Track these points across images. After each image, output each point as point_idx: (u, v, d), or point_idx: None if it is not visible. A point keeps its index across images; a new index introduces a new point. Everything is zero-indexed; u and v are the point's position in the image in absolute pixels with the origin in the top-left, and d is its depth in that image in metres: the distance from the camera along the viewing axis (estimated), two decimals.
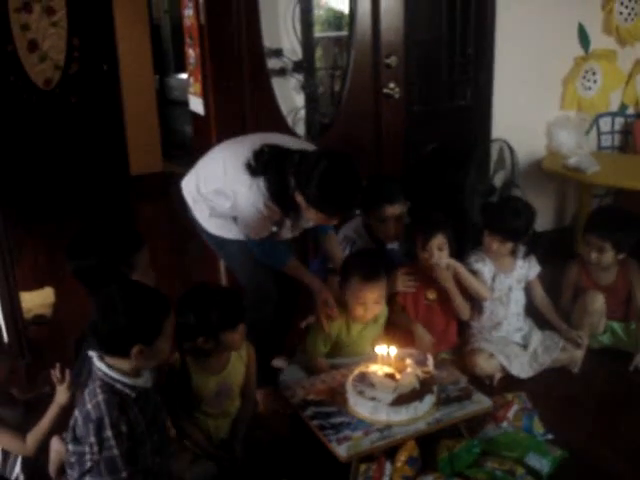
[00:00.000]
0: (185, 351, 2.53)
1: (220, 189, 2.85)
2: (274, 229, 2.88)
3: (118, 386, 2.10)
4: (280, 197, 2.76)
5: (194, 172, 3.02)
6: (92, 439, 2.04)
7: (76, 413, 2.13)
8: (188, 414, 2.51)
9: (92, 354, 2.14)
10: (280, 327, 3.19)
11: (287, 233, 2.98)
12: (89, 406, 2.06)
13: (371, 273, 2.92)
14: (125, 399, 2.10)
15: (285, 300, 3.10)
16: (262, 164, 2.75)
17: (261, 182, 2.74)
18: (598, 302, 3.36)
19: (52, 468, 2.49)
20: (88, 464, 2.09)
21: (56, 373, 2.23)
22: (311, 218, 2.84)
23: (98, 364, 2.11)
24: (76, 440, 2.12)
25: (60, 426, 2.29)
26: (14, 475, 2.39)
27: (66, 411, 2.24)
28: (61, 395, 2.24)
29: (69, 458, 2.18)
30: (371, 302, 2.93)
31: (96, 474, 2.08)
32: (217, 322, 2.44)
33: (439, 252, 3.19)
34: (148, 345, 2.08)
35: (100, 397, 2.06)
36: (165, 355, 2.19)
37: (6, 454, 2.34)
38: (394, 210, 3.31)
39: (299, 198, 2.72)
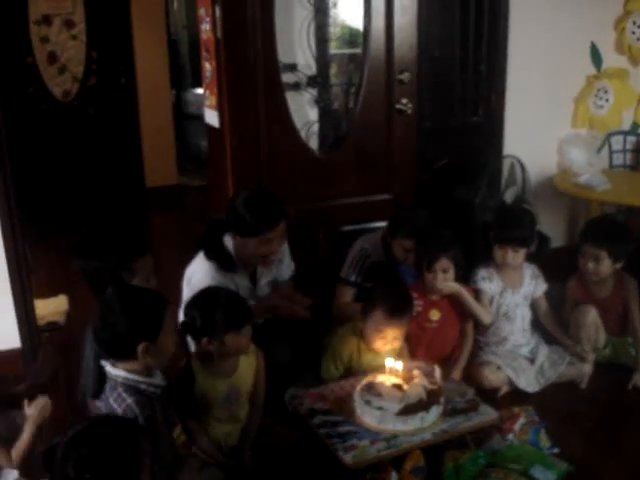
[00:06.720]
0: (192, 355, 2.56)
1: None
2: None
3: (142, 386, 2.13)
4: (219, 255, 2.98)
5: None
6: None
7: None
8: (197, 419, 2.52)
9: (104, 363, 2.16)
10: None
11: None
12: (119, 411, 2.06)
13: (398, 309, 2.86)
14: (151, 398, 2.13)
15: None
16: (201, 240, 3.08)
17: (201, 254, 3.02)
18: (590, 315, 3.33)
19: None
20: None
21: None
22: (251, 251, 2.96)
23: (115, 372, 2.13)
24: None
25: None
26: None
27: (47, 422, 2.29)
28: (30, 410, 2.26)
29: None
30: (390, 337, 2.89)
31: None
32: (222, 323, 2.44)
33: (444, 274, 3.14)
34: (152, 341, 2.10)
35: (129, 400, 2.07)
36: (170, 351, 2.20)
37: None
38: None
39: (236, 240, 2.96)
